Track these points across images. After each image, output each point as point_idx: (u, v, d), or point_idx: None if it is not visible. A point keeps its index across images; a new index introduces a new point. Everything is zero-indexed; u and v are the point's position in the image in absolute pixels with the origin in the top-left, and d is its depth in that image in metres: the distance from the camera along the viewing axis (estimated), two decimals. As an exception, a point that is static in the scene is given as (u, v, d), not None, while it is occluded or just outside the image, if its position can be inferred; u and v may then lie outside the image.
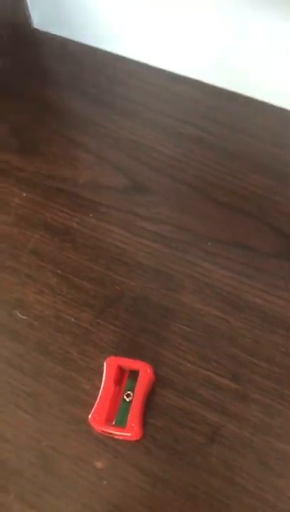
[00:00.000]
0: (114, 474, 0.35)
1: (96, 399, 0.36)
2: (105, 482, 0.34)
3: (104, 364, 0.37)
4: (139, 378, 0.36)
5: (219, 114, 0.53)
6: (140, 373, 0.36)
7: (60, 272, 0.43)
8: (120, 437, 0.35)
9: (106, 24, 0.56)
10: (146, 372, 0.36)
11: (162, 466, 0.35)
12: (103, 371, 0.37)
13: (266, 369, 0.38)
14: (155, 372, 0.38)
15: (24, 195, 0.47)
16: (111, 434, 0.35)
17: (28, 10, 0.59)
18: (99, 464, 0.35)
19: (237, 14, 0.48)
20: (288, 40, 0.47)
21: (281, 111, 0.52)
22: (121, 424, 0.35)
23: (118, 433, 0.35)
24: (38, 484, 0.35)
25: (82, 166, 0.49)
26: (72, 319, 0.41)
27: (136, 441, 0.36)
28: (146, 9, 0.52)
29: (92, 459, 0.35)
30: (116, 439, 0.36)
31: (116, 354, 0.39)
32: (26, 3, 0.58)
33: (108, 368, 0.36)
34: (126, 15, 0.54)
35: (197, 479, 0.34)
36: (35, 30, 0.61)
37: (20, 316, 0.41)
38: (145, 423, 0.36)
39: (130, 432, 0.34)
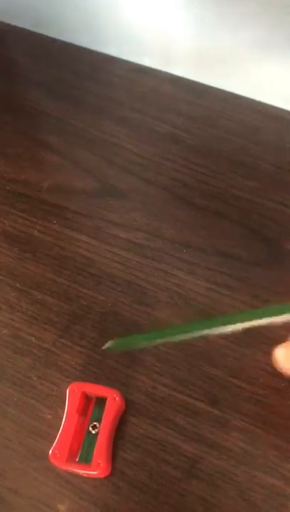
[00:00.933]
0: (79, 517, 0.31)
1: (58, 430, 0.32)
2: (68, 527, 0.30)
3: (67, 391, 0.33)
4: (106, 407, 0.32)
5: (195, 110, 0.49)
6: (107, 401, 0.32)
7: (18, 285, 0.38)
8: (86, 475, 0.31)
9: (73, 15, 0.52)
10: (114, 400, 0.32)
11: (133, 507, 0.31)
12: (66, 399, 0.33)
13: (249, 391, 0.34)
14: (126, 399, 0.33)
15: (-18, 200, 0.43)
16: (75, 472, 0.31)
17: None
18: (62, 507, 0.31)
19: (211, 4, 0.44)
20: (262, 34, 0.43)
21: (261, 106, 0.48)
22: (86, 460, 0.31)
23: (82, 471, 0.31)
24: (-7, 531, 0.30)
25: (48, 168, 0.45)
26: (33, 339, 0.36)
27: (104, 478, 0.31)
28: (115, 2, 0.48)
29: (54, 501, 0.31)
30: (82, 477, 0.32)
31: (82, 378, 0.34)
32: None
33: (71, 395, 0.32)
34: (94, 5, 0.50)
35: (173, 522, 0.30)
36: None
37: (-25, 336, 0.36)
38: (114, 457, 0.32)
39: (96, 469, 0.30)
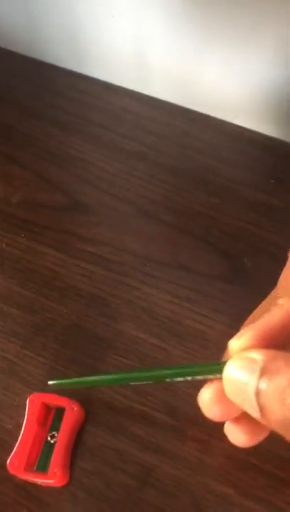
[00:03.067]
0: (37, 526, 0.31)
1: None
2: (25, 536, 0.31)
3: (27, 401, 0.33)
4: (65, 417, 0.32)
5: (164, 130, 0.50)
6: (66, 411, 0.33)
7: (-16, 298, 0.39)
8: (43, 484, 0.32)
9: (45, 36, 0.53)
10: (72, 410, 0.33)
11: (89, 516, 0.31)
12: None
13: (206, 402, 0.35)
14: (86, 409, 0.34)
15: None
16: (33, 481, 0.32)
17: None
18: (20, 516, 0.32)
19: (179, 27, 0.46)
20: (229, 54, 0.46)
21: (225, 125, 0.50)
22: (43, 469, 0.32)
23: (40, 480, 0.31)
24: None
25: (17, 183, 0.46)
26: (-4, 350, 0.37)
27: (62, 487, 0.32)
28: (86, 21, 0.50)
29: (12, 510, 0.32)
30: (41, 486, 0.32)
31: (44, 389, 0.35)
32: None
33: (31, 405, 0.33)
34: (68, 25, 0.51)
35: (127, 530, 0.31)
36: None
37: None
38: (72, 466, 0.33)
39: (52, 478, 0.31)
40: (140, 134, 0.50)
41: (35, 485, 0.32)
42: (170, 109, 0.52)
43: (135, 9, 0.47)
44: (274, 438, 0.23)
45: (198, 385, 0.36)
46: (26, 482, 0.32)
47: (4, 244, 0.42)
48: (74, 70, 0.55)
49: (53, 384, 0.29)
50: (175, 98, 0.52)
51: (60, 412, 0.33)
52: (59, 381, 0.30)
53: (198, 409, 0.35)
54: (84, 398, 0.35)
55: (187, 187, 0.46)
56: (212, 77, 0.48)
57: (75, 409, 0.32)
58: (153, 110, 0.52)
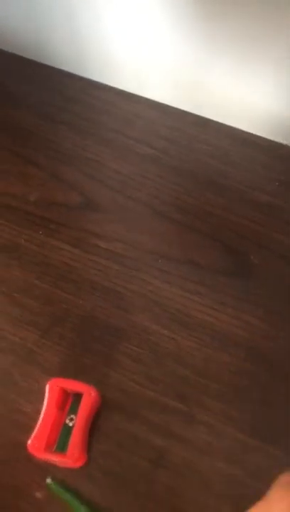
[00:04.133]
0: (56, 505, 0.33)
1: (37, 423, 0.34)
2: (44, 513, 0.32)
3: (47, 386, 0.35)
4: (82, 401, 0.34)
5: (174, 134, 0.53)
6: (83, 396, 0.34)
7: (4, 289, 0.41)
8: (62, 464, 0.34)
9: (62, 43, 0.56)
10: (89, 395, 0.34)
11: (105, 494, 0.33)
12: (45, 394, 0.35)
13: (215, 389, 0.37)
14: (101, 395, 0.36)
15: (-29, 211, 0.46)
16: (52, 461, 0.33)
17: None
18: (39, 494, 0.33)
19: (190, 36, 0.49)
20: (236, 62, 0.48)
21: (233, 130, 0.53)
22: (62, 450, 0.33)
23: (58, 460, 0.33)
24: (-28, 517, 0.32)
25: (35, 183, 0.49)
26: (16, 339, 0.39)
27: (80, 467, 0.34)
28: (100, 29, 0.53)
29: (31, 488, 0.33)
30: (59, 466, 0.34)
31: (61, 376, 0.37)
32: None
33: (50, 390, 0.35)
34: (80, 34, 0.54)
35: (141, 508, 0.32)
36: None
37: None
38: (89, 448, 0.35)
39: (71, 458, 0.33)
40: (151, 139, 0.52)
41: (53, 465, 0.34)
42: (181, 115, 0.54)
43: (147, 19, 0.49)
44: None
45: (207, 374, 0.38)
46: (45, 463, 0.34)
47: (23, 240, 0.44)
48: (87, 77, 0.57)
49: (51, 486, 0.33)
50: (185, 105, 0.54)
51: (77, 397, 0.35)
52: (57, 489, 0.33)
53: (207, 395, 0.37)
54: (100, 385, 0.36)
55: (196, 188, 0.48)
56: (222, 85, 0.50)
57: (92, 394, 0.34)
58: (164, 116, 0.54)
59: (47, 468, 0.34)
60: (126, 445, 0.35)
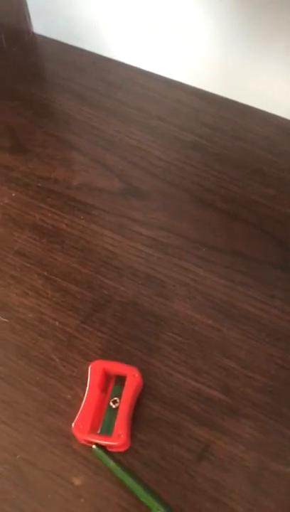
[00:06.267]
0: (93, 492, 0.32)
1: (77, 410, 0.33)
2: (83, 500, 0.32)
3: (89, 368, 0.34)
4: (126, 383, 0.33)
5: (218, 122, 0.51)
6: (127, 378, 0.34)
7: (46, 273, 0.41)
8: (107, 446, 0.32)
9: (106, 31, 0.55)
10: (133, 376, 0.34)
11: (146, 484, 0.32)
12: (87, 376, 0.34)
13: (261, 382, 0.35)
14: (143, 384, 0.35)
15: (14, 195, 0.46)
16: (96, 444, 0.32)
17: (28, 14, 0.58)
18: (77, 481, 0.32)
19: (236, 24, 0.47)
20: (284, 51, 0.46)
21: (279, 120, 0.51)
22: (107, 432, 0.32)
23: (103, 442, 0.32)
24: (10, 501, 0.32)
25: (77, 168, 0.48)
26: (57, 323, 0.38)
27: (120, 454, 0.33)
28: (146, 17, 0.52)
29: (69, 474, 0.33)
30: (97, 454, 0.33)
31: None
32: (27, 7, 0.58)
33: (93, 372, 0.34)
34: (126, 22, 0.53)
35: (183, 500, 0.31)
36: (35, 34, 0.60)
37: (2, 318, 0.38)
38: (130, 437, 0.34)
39: (117, 440, 0.32)
40: (196, 126, 0.51)
41: (92, 452, 0.33)
42: (226, 103, 0.53)
43: (193, 5, 0.48)
44: None
45: (252, 367, 0.36)
46: (84, 449, 0.33)
47: (64, 225, 0.44)
48: (132, 64, 0.57)
49: (96, 452, 0.32)
50: (230, 93, 0.53)
51: (119, 380, 0.34)
52: (102, 454, 0.32)
53: (252, 388, 0.35)
54: (141, 372, 0.35)
55: (241, 177, 0.47)
56: (269, 73, 0.49)
57: (136, 375, 0.34)
58: (208, 104, 0.53)
59: (85, 455, 0.33)
60: (168, 435, 0.34)
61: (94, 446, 0.32)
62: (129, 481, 0.31)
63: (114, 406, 0.33)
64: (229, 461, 0.33)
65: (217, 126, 0.51)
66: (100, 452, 0.32)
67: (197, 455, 0.33)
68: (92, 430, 0.32)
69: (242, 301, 0.39)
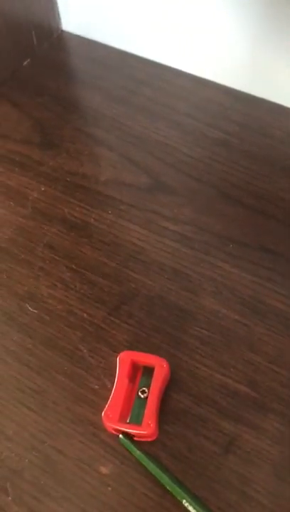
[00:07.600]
0: (120, 481, 0.32)
1: (104, 400, 0.34)
2: (110, 489, 0.32)
3: (117, 359, 0.35)
4: (155, 373, 0.34)
5: (246, 119, 0.51)
6: (156, 368, 0.34)
7: (74, 266, 0.41)
8: (136, 435, 0.33)
9: (134, 28, 0.56)
10: (161, 367, 0.34)
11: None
12: (115, 367, 0.35)
13: (287, 377, 0.35)
14: (170, 374, 0.35)
15: (43, 189, 0.46)
16: (125, 433, 0.33)
17: (58, 12, 0.59)
18: (104, 469, 0.33)
19: (265, 21, 0.47)
20: None
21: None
22: (136, 421, 0.33)
23: (133, 431, 0.32)
24: (38, 487, 0.32)
25: (105, 163, 0.49)
26: (85, 315, 0.39)
27: (147, 445, 0.33)
28: (175, 15, 0.52)
29: (97, 463, 0.33)
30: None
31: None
32: (57, 5, 0.59)
33: (121, 362, 0.35)
34: (155, 20, 0.54)
35: (209, 492, 0.31)
36: (64, 31, 0.61)
37: (31, 309, 0.39)
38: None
39: (146, 429, 0.32)
40: (223, 123, 0.51)
41: (119, 441, 0.33)
42: (254, 101, 0.53)
43: (222, 2, 0.48)
44: None
45: (279, 362, 0.36)
46: (111, 438, 0.33)
47: (92, 219, 0.44)
48: (160, 62, 0.57)
49: (122, 441, 0.33)
50: (259, 91, 0.53)
51: (147, 371, 0.35)
52: (129, 444, 0.33)
53: (279, 384, 0.35)
54: (168, 365, 0.36)
55: (269, 173, 0.47)
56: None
57: (165, 366, 0.34)
58: (236, 101, 0.53)
59: (112, 445, 0.34)
60: (194, 428, 0.34)
61: (120, 435, 0.33)
62: (155, 470, 0.32)
63: (142, 396, 0.34)
64: (255, 454, 0.33)
65: (245, 123, 0.51)
66: (127, 441, 0.33)
67: (223, 448, 0.33)
68: (122, 419, 0.33)
69: (269, 296, 0.39)
